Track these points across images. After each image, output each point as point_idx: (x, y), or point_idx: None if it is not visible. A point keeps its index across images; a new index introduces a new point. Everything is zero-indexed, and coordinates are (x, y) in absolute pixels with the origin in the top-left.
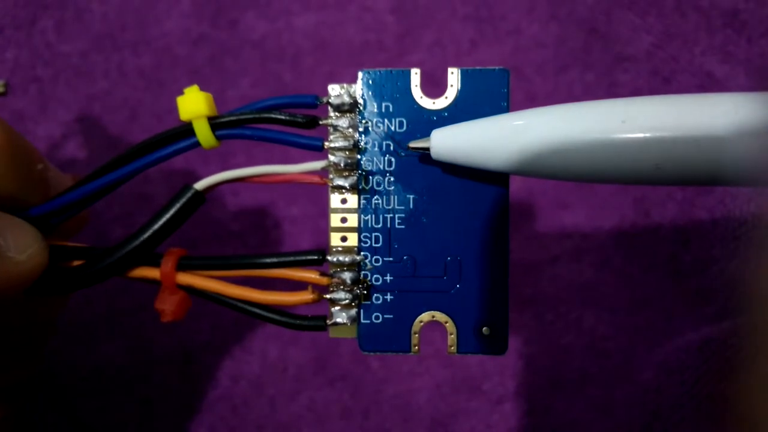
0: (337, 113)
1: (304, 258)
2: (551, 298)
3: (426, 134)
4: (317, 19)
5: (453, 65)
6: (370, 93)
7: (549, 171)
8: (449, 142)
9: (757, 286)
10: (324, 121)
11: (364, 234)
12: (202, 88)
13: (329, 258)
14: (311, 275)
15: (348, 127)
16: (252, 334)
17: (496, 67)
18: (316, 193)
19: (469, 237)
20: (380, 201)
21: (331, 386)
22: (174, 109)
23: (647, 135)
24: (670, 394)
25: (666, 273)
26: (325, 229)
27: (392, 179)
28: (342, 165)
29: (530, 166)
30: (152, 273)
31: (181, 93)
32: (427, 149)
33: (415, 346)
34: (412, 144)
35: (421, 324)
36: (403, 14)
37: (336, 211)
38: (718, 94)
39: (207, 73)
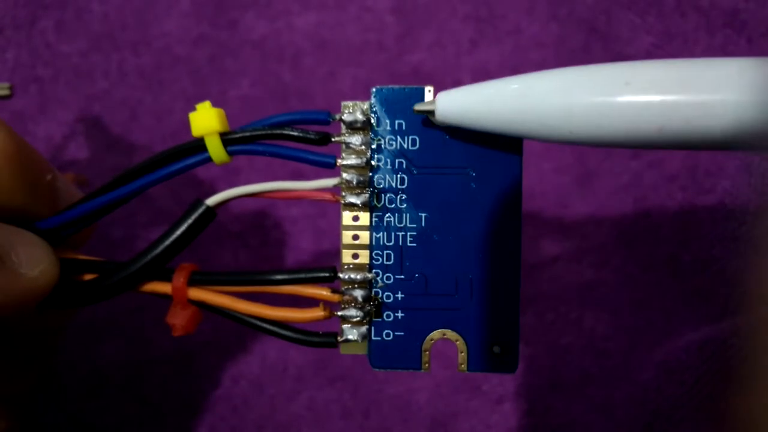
0: (349, 130)
1: (315, 275)
2: (551, 298)
3: (438, 153)
4: (317, 19)
5: (453, 65)
6: (383, 110)
7: (552, 134)
8: (454, 104)
9: (757, 285)
10: (336, 138)
11: (375, 251)
12: (202, 88)
13: (341, 275)
14: (322, 292)
15: (360, 145)
16: (252, 335)
17: None
18: None
19: (481, 255)
20: (392, 219)
21: (331, 386)
22: (174, 110)
23: (651, 97)
24: (670, 394)
25: (666, 273)
26: (325, 230)
27: (404, 197)
28: (354, 182)
29: (533, 129)
30: (164, 288)
31: (182, 94)
32: (432, 111)
33: (425, 363)
34: (417, 107)
35: (432, 342)
36: (403, 14)
37: (348, 228)
38: (723, 58)
39: (207, 73)
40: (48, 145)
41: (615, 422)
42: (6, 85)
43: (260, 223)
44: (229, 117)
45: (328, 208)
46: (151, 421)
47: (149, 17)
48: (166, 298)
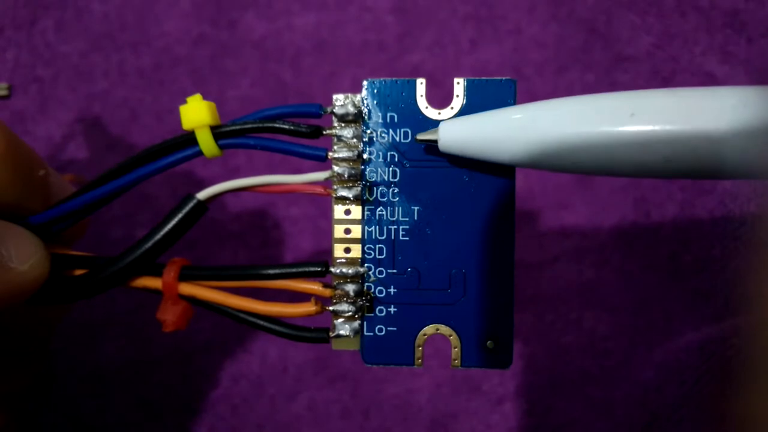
0: (341, 123)
1: (307, 269)
2: (551, 298)
3: (431, 145)
4: (317, 19)
5: (453, 65)
6: (374, 103)
7: (556, 164)
8: (457, 134)
9: (757, 285)
10: (328, 131)
11: (367, 245)
12: (202, 88)
13: (333, 270)
14: (314, 287)
15: (352, 138)
16: (252, 334)
17: (503, 78)
18: None
19: (474, 249)
20: (384, 212)
21: (331, 386)
22: (174, 109)
23: (656, 128)
24: (670, 394)
25: (666, 273)
26: (325, 230)
27: (396, 190)
28: (346, 176)
29: (537, 160)
30: (154, 283)
31: (182, 94)
32: (435, 141)
33: (418, 359)
34: (420, 136)
35: (425, 337)
36: (403, 14)
37: (340, 222)
38: (726, 87)
39: (207, 73)
40: (48, 145)
41: (615, 422)
42: (5, 85)
43: (260, 223)
44: (229, 117)
45: (329, 209)
46: (151, 421)
47: (149, 17)
48: (156, 294)
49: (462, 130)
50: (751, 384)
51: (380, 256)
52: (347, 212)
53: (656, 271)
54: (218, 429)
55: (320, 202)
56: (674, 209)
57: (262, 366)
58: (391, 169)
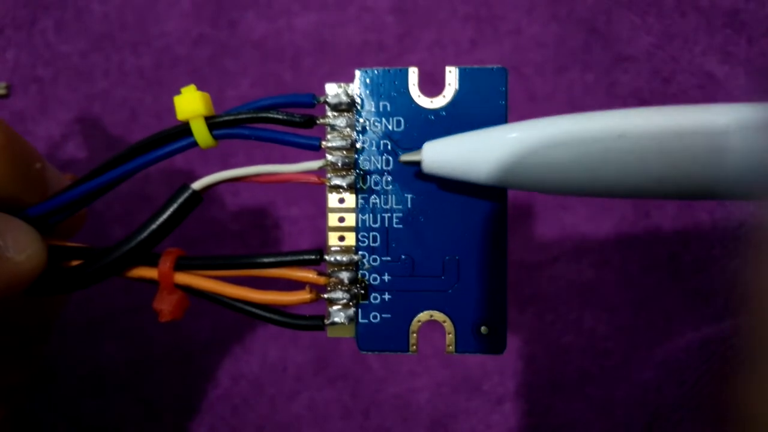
0: (334, 112)
1: (301, 258)
2: (551, 298)
3: (424, 134)
4: (317, 19)
5: (453, 65)
6: (367, 92)
7: (546, 186)
8: (441, 156)
9: (757, 286)
10: (321, 121)
11: (361, 233)
12: (202, 88)
13: (327, 257)
14: (309, 275)
15: (345, 127)
16: (252, 334)
17: (494, 66)
18: (316, 193)
19: (467, 236)
20: (378, 200)
21: (331, 386)
22: (174, 110)
23: (646, 149)
24: (670, 394)
25: (666, 273)
26: (324, 228)
27: (390, 178)
28: (339, 164)
29: (525, 182)
30: (150, 273)
31: (180, 93)
32: (419, 163)
33: (413, 345)
34: (404, 158)
35: (419, 324)
36: (403, 14)
37: (334, 210)
38: (719, 105)
39: (207, 73)
40: (48, 144)
41: (615, 422)
42: (3, 84)
43: (260, 223)
44: None
45: (326, 208)
46: (151, 421)
47: (149, 17)
48: (152, 283)
49: (446, 150)
50: (751, 384)
51: (374, 244)
52: (341, 201)
53: (656, 271)
54: (218, 429)
55: (319, 202)
56: (674, 209)
57: (262, 366)
58: (384, 157)
